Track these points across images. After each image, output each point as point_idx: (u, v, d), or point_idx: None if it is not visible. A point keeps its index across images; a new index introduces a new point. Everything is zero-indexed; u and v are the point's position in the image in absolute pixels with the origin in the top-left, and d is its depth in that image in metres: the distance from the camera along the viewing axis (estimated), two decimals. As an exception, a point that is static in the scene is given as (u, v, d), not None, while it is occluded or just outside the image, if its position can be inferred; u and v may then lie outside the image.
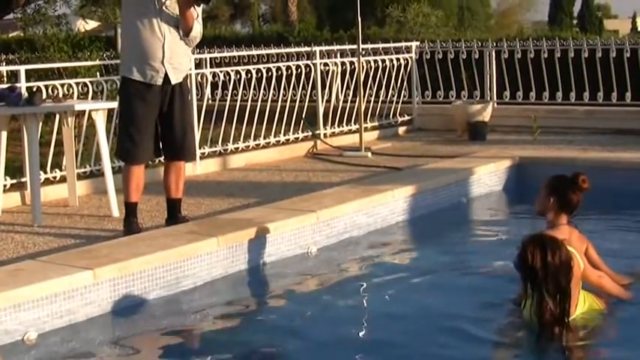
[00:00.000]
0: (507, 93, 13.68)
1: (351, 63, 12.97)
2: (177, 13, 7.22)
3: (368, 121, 13.01)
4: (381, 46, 14.39)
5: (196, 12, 7.33)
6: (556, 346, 5.09)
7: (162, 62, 7.22)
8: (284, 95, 12.44)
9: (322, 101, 12.61)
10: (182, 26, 7.27)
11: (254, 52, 14.45)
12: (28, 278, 5.53)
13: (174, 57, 7.28)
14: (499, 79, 13.73)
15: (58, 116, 8.90)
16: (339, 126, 12.76)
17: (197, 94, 11.47)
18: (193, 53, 7.71)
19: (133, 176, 7.39)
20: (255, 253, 6.81)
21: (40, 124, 8.29)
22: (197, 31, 7.38)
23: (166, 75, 7.26)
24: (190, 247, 6.39)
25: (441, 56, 14.26)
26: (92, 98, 9.58)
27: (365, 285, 6.60)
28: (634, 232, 8.01)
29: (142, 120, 7.28)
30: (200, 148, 10.30)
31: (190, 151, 7.71)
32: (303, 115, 12.26)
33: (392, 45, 14.53)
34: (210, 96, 12.00)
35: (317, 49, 12.89)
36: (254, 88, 11.54)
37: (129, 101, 7.31)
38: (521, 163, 9.95)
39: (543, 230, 5.67)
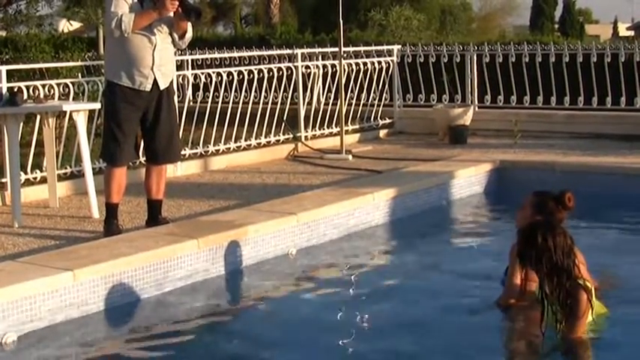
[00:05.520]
0: (488, 97, 13.71)
1: (333, 66, 12.97)
2: (168, 19, 7.23)
3: (349, 123, 13.03)
4: (362, 49, 14.40)
5: None
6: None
7: (152, 69, 7.23)
8: (265, 97, 12.44)
9: (303, 104, 12.62)
10: (177, 32, 7.31)
11: (235, 54, 14.44)
12: (8, 279, 5.52)
13: (163, 63, 7.30)
14: (480, 83, 13.76)
15: (38, 117, 8.88)
16: (320, 128, 12.76)
17: (178, 96, 11.45)
18: (174, 55, 7.71)
19: (115, 177, 7.40)
20: (236, 255, 6.82)
21: (21, 124, 8.27)
22: (190, 32, 7.44)
23: (155, 81, 7.27)
24: (170, 248, 6.39)
25: (422, 60, 14.25)
26: (73, 99, 9.56)
27: (345, 288, 6.61)
28: (614, 235, 8.05)
29: (127, 123, 7.29)
30: (181, 149, 10.29)
31: (176, 153, 7.79)
32: (285, 118, 12.26)
33: (374, 48, 14.53)
34: (191, 97, 12.00)
35: (298, 51, 12.88)
36: (235, 90, 11.52)
37: (115, 104, 7.30)
38: (502, 166, 9.98)
39: None
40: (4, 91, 8.66)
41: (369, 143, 12.87)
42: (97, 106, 8.76)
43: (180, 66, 12.08)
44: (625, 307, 5.73)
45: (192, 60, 14.24)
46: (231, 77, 11.59)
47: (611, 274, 6.31)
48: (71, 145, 9.63)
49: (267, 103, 12.14)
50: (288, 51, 13.61)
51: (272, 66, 12.31)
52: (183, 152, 10.38)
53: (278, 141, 12.06)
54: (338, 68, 12.18)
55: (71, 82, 9.69)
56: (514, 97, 13.54)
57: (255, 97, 12.26)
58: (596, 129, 12.69)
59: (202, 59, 14.51)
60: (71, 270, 5.72)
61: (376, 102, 13.81)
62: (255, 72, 11.95)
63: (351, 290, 6.57)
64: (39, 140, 9.02)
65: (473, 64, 13.75)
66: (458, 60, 13.89)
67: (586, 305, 5.07)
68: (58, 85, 9.50)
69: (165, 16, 7.21)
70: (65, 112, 9.17)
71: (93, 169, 8.52)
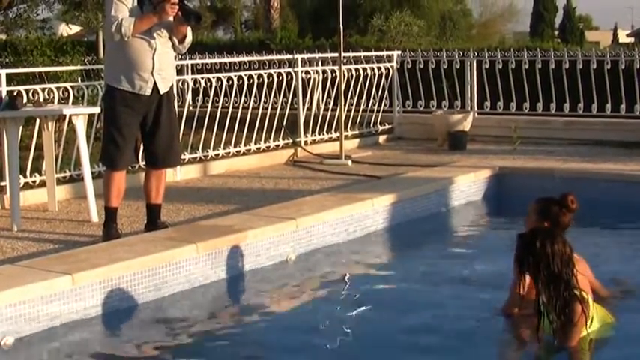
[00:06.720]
0: (488, 103, 13.70)
1: (333, 71, 12.97)
2: (168, 23, 7.23)
3: (349, 129, 13.03)
4: (362, 54, 14.39)
5: None
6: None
7: (152, 73, 7.22)
8: (265, 102, 12.46)
9: (303, 109, 12.62)
10: (177, 36, 7.31)
11: (235, 59, 14.44)
12: (7, 283, 5.52)
13: (163, 67, 7.30)
14: (480, 89, 13.75)
15: (38, 120, 8.88)
16: (319, 134, 12.76)
17: (178, 101, 11.44)
18: (174, 59, 7.71)
19: (114, 182, 7.40)
20: (234, 260, 6.81)
21: (21, 128, 8.27)
22: (190, 36, 7.44)
23: (155, 85, 7.26)
24: (169, 253, 6.39)
25: (422, 65, 14.25)
26: (73, 103, 9.55)
27: (343, 294, 6.61)
28: (612, 242, 8.05)
29: (126, 127, 7.28)
30: (181, 154, 10.28)
31: (175, 158, 7.80)
32: (284, 123, 12.26)
33: (373, 54, 14.53)
34: (191, 102, 11.99)
35: (298, 56, 12.88)
36: (235, 95, 11.52)
37: (115, 108, 7.29)
38: (501, 173, 9.98)
39: None
40: (4, 94, 8.66)
41: (368, 149, 12.86)
42: (96, 110, 8.76)
43: (180, 70, 12.10)
44: (628, 315, 5.72)
45: (192, 64, 14.27)
46: (231, 82, 11.59)
47: (622, 282, 6.31)
48: (70, 149, 9.62)
49: (267, 108, 12.14)
50: (288, 56, 13.62)
51: (272, 71, 12.31)
52: (182, 157, 10.38)
53: (277, 146, 12.06)
54: (338, 74, 12.18)
55: (71, 86, 9.69)
56: (513, 104, 13.52)
57: (254, 102, 12.26)
58: (596, 136, 12.69)
59: (202, 64, 14.53)
60: (70, 274, 5.72)
61: (376, 108, 13.80)
62: (255, 77, 11.95)
63: (350, 296, 6.57)
64: (38, 144, 9.02)
65: (472, 71, 13.75)
66: (457, 66, 13.89)
67: (580, 316, 5.06)
68: (58, 88, 9.49)
69: (165, 21, 7.22)
70: (65, 116, 9.19)
71: (92, 173, 8.52)
